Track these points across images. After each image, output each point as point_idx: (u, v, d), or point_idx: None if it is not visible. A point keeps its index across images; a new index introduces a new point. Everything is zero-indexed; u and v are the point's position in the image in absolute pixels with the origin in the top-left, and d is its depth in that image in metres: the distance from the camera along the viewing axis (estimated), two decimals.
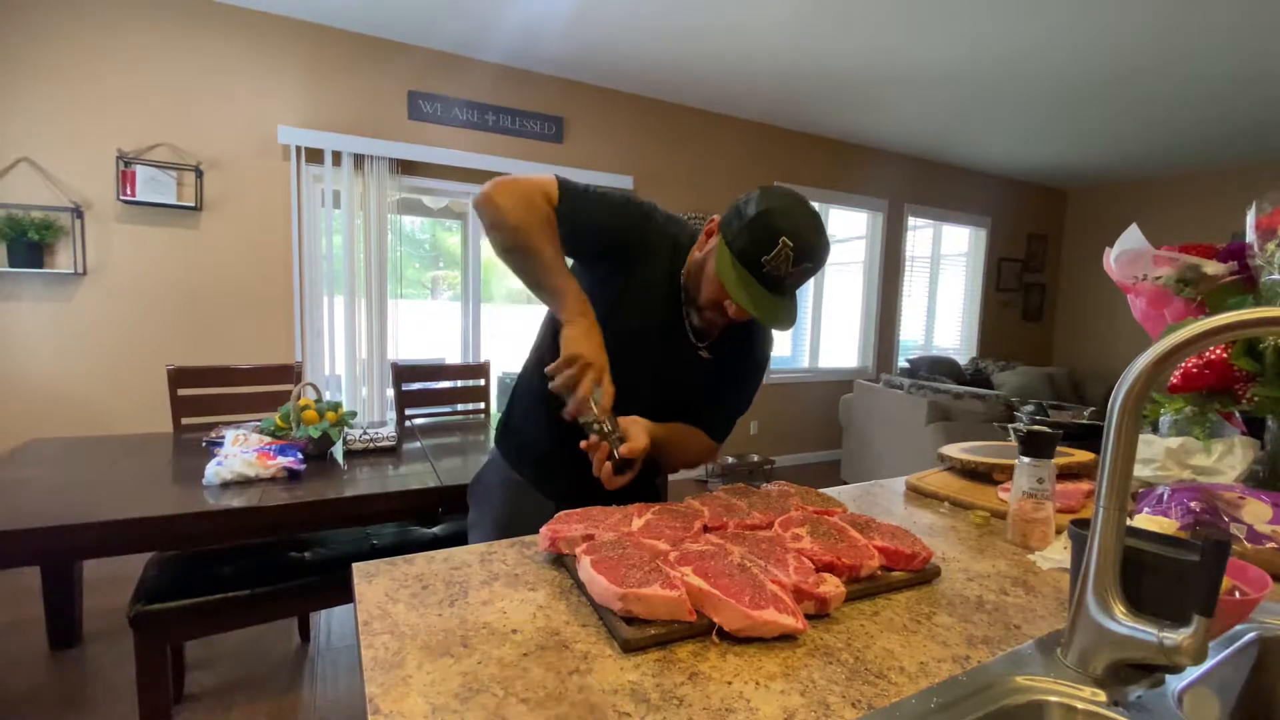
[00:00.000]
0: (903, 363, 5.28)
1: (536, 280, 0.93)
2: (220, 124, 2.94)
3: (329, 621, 2.29)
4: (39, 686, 1.84)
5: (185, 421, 2.20)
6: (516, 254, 0.92)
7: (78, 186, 2.72)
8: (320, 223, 3.17)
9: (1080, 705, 0.53)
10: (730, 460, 4.25)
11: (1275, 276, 0.96)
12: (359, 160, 3.16)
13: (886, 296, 5.29)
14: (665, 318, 1.03)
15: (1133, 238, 1.15)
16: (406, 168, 3.32)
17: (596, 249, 1.01)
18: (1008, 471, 1.13)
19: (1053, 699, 0.54)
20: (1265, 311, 0.45)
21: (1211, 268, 1.05)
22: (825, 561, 0.71)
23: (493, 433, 1.27)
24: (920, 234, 5.56)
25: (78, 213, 2.71)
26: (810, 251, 0.88)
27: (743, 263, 0.89)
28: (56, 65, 2.65)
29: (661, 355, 1.03)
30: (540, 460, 1.12)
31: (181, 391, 2.20)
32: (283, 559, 1.68)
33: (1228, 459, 1.00)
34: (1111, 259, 1.18)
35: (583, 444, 0.90)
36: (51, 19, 2.63)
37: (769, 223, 0.87)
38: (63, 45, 2.65)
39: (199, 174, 2.89)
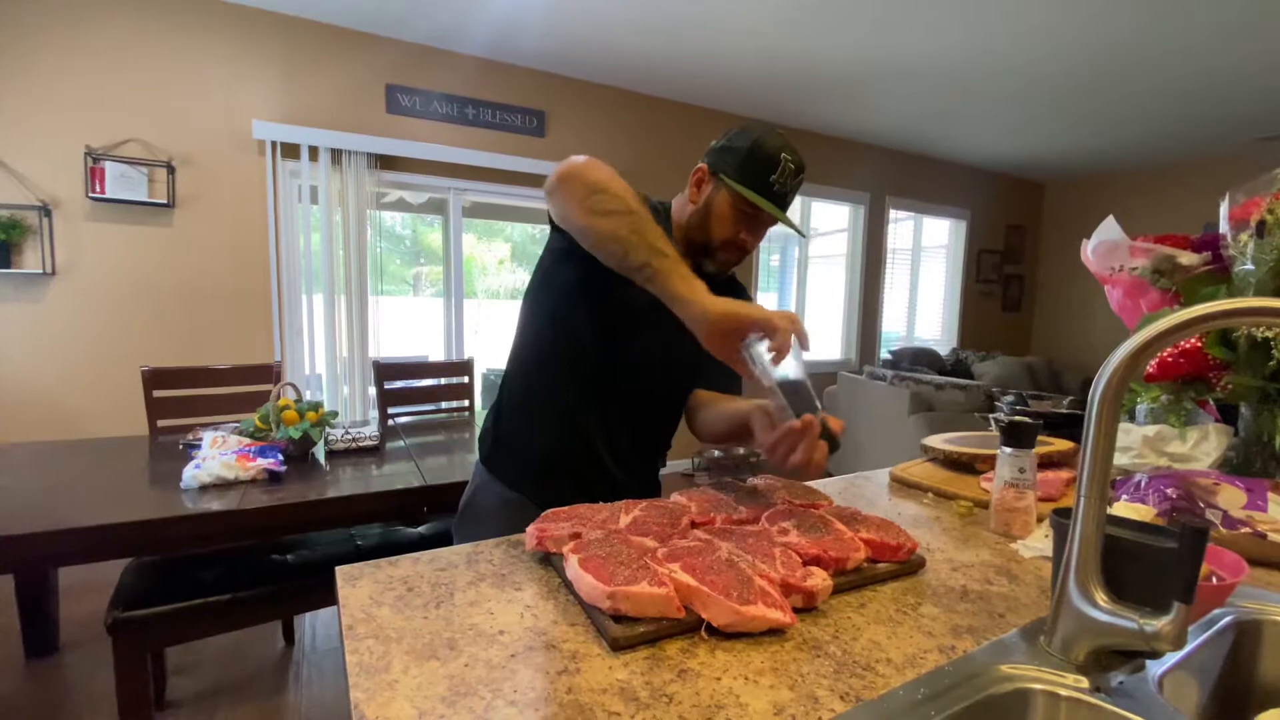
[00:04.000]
0: (885, 354, 5.33)
1: (650, 241, 0.81)
2: (193, 119, 2.87)
3: (313, 624, 2.27)
4: (16, 696, 1.80)
5: (161, 424, 2.15)
6: (628, 215, 0.82)
7: (45, 184, 2.65)
8: (298, 219, 3.12)
9: (1064, 692, 0.53)
10: (716, 454, 4.27)
11: (1248, 266, 0.97)
12: (336, 155, 3.11)
13: (868, 289, 5.33)
14: None
15: (1109, 229, 1.17)
16: (385, 163, 3.28)
17: None
18: (990, 462, 1.14)
19: (1037, 687, 0.54)
20: (1245, 301, 0.45)
21: (1186, 258, 1.07)
22: (812, 555, 0.72)
23: (477, 438, 1.18)
24: (901, 226, 5.61)
25: (45, 211, 2.64)
26: (801, 162, 1.00)
27: (755, 188, 0.97)
28: (22, 59, 2.57)
29: (671, 321, 0.93)
30: (545, 472, 1.05)
31: (157, 393, 2.15)
32: (264, 562, 1.66)
33: (1203, 446, 1.02)
34: (1089, 250, 1.20)
35: (794, 424, 0.77)
36: (15, 12, 2.54)
37: (765, 146, 0.97)
38: (28, 38, 2.57)
39: (171, 170, 2.83)
